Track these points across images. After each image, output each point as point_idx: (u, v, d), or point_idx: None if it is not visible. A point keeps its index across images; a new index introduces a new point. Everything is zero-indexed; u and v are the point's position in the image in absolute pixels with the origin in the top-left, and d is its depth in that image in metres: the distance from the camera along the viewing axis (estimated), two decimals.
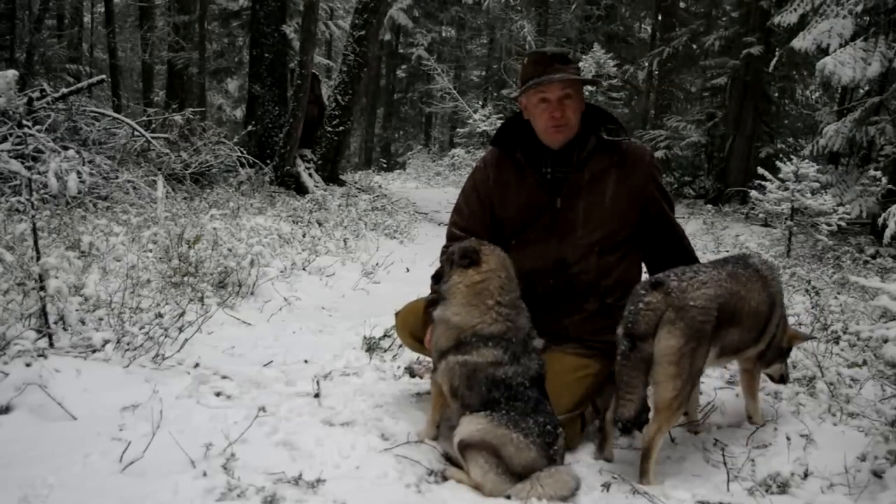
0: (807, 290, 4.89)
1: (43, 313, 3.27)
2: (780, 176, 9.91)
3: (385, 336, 3.94)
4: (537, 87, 2.85)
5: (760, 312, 2.80)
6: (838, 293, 6.08)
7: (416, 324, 2.97)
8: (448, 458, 2.58)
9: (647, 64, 18.88)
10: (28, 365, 2.77)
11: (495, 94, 23.25)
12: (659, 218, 3.01)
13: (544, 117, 2.89)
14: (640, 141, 3.53)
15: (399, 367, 3.58)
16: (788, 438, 2.66)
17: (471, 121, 19.45)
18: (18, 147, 6.25)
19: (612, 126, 2.96)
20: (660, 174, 3.07)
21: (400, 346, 3.79)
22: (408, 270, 6.84)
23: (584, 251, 2.92)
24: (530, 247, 2.98)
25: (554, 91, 2.84)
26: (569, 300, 2.94)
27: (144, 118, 10.36)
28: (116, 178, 7.70)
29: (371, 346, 3.86)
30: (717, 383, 3.49)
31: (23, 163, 3.42)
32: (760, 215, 12.12)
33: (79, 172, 6.54)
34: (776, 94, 17.25)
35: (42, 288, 3.25)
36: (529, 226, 2.99)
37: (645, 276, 3.08)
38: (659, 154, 15.79)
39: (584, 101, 2.98)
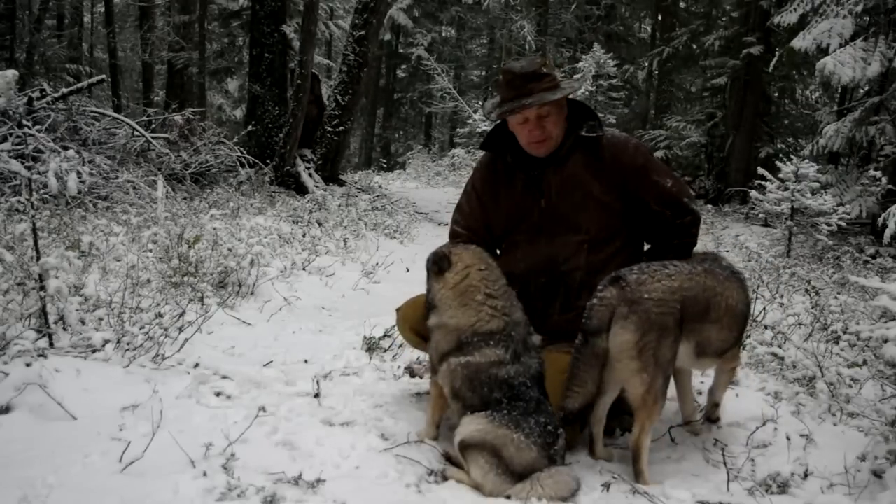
0: (807, 290, 4.89)
1: (43, 313, 3.27)
2: (780, 176, 9.92)
3: (385, 336, 3.94)
4: (512, 112, 2.85)
5: (740, 312, 2.77)
6: (838, 293, 6.09)
7: (416, 318, 2.95)
8: (448, 458, 2.58)
9: (647, 64, 18.91)
10: (28, 365, 2.77)
11: (495, 94, 23.23)
12: (641, 207, 2.92)
13: (524, 134, 2.91)
14: (635, 137, 3.42)
15: (399, 367, 3.58)
16: (788, 438, 2.66)
17: (471, 121, 19.41)
18: (18, 147, 6.27)
19: (593, 122, 2.94)
20: (648, 159, 2.96)
21: (400, 345, 3.79)
22: (408, 270, 6.84)
23: (573, 249, 2.92)
24: (521, 247, 3.01)
25: (531, 112, 2.84)
26: (561, 298, 2.95)
27: (144, 118, 10.37)
28: (116, 178, 7.71)
29: (371, 346, 3.86)
30: None
31: (23, 163, 3.42)
32: (760, 215, 12.14)
33: (79, 172, 6.54)
34: (776, 94, 17.27)
35: (42, 288, 3.25)
36: (518, 226, 3.01)
37: None
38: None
39: (566, 105, 2.94)
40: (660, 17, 20.88)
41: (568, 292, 2.94)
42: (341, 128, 12.37)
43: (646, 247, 3.13)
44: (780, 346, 3.85)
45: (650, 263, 2.64)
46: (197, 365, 3.34)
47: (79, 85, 9.51)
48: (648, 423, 2.51)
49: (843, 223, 9.83)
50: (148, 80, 19.04)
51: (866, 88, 11.97)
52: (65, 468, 2.25)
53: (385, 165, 23.39)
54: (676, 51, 17.34)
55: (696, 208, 2.97)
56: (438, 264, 2.65)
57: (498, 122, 3.10)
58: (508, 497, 2.33)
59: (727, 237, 10.81)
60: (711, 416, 2.95)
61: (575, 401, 2.55)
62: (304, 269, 6.18)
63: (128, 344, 3.36)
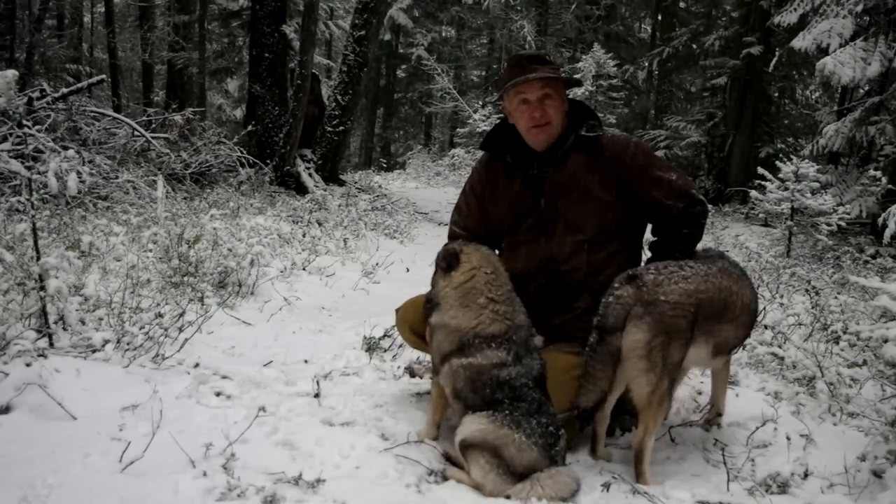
0: (807, 290, 4.89)
1: (43, 313, 3.27)
2: (780, 176, 9.92)
3: (385, 336, 3.94)
4: (515, 88, 2.87)
5: (753, 309, 2.81)
6: (838, 293, 6.09)
7: (416, 318, 2.96)
8: (448, 458, 2.58)
9: (647, 64, 18.90)
10: (28, 365, 2.77)
11: (495, 94, 23.20)
12: (651, 203, 2.91)
13: (525, 118, 2.91)
14: (636, 136, 3.41)
15: (399, 367, 3.58)
16: (788, 438, 2.66)
17: (471, 121, 19.44)
18: (18, 147, 6.27)
19: (593, 122, 2.95)
20: (649, 156, 2.95)
21: (400, 345, 3.79)
22: (408, 270, 6.84)
23: (572, 249, 2.92)
24: (520, 247, 3.01)
25: (533, 91, 2.86)
26: (560, 299, 2.94)
27: (144, 118, 10.37)
28: (116, 178, 7.71)
29: (371, 346, 3.86)
30: None
31: (23, 163, 3.42)
32: (760, 215, 12.14)
33: (79, 172, 6.54)
34: (776, 94, 17.27)
35: (42, 288, 3.25)
36: (517, 227, 3.01)
37: None
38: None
39: (566, 100, 2.97)
40: (660, 17, 20.88)
41: (568, 292, 2.94)
42: (341, 128, 12.38)
43: (650, 241, 3.09)
44: (780, 346, 3.85)
45: (667, 263, 2.63)
46: (197, 365, 3.34)
47: (79, 85, 9.52)
48: (653, 424, 2.51)
49: (843, 223, 9.83)
50: (148, 80, 19.02)
51: (866, 88, 11.98)
52: (65, 468, 2.25)
53: (385, 165, 23.38)
54: (676, 51, 17.33)
55: (703, 199, 2.99)
56: (447, 261, 2.64)
57: (498, 122, 3.12)
58: (508, 497, 2.33)
59: (727, 237, 10.80)
60: (713, 421, 2.95)
61: (588, 398, 2.55)
62: (304, 269, 6.18)
63: (128, 344, 3.36)
